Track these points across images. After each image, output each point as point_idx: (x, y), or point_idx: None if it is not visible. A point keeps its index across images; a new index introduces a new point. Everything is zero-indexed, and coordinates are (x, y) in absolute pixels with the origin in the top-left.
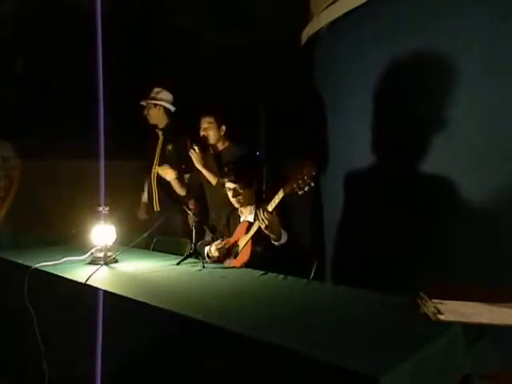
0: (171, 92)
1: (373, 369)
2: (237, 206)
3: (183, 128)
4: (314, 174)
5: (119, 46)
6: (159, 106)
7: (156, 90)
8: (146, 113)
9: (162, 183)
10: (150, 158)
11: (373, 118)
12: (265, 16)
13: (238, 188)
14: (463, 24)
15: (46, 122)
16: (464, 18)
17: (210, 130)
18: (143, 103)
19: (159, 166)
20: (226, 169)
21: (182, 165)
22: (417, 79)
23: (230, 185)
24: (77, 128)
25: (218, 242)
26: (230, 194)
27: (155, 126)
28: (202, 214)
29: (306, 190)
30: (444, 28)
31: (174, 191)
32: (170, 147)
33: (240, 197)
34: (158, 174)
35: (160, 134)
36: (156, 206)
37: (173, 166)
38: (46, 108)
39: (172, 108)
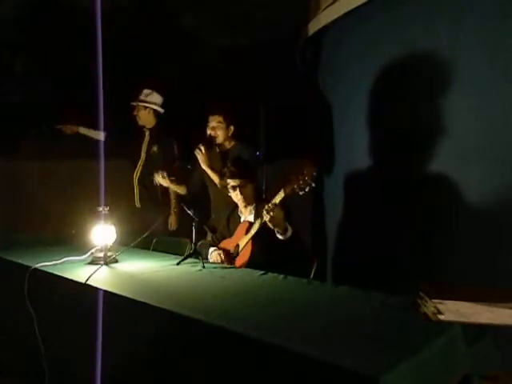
0: (163, 93)
1: (373, 369)
2: (242, 204)
3: (170, 129)
4: (314, 174)
5: (119, 45)
6: (149, 109)
7: (146, 91)
8: (135, 113)
9: (146, 183)
10: (135, 157)
11: (373, 119)
12: (265, 16)
13: (242, 184)
14: (463, 24)
15: (47, 121)
16: (464, 18)
17: (218, 129)
18: (134, 104)
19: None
20: (225, 168)
21: (188, 165)
22: (417, 79)
23: (233, 182)
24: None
25: (217, 251)
26: (233, 192)
27: (143, 126)
28: (202, 213)
29: (306, 190)
30: (444, 28)
31: (157, 193)
32: (155, 148)
33: (244, 193)
34: (140, 172)
35: (147, 133)
36: (137, 202)
37: (159, 167)
38: (46, 108)
39: (161, 110)
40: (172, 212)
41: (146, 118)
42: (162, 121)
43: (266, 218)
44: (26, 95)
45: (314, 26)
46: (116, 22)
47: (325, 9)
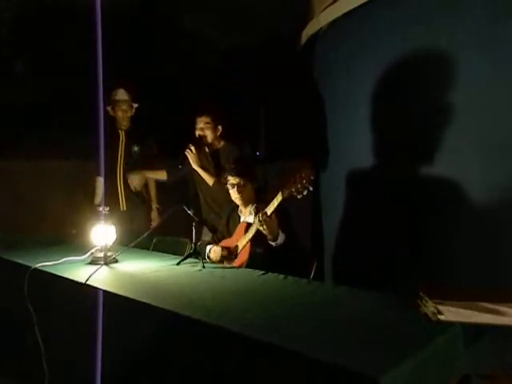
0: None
1: (373, 369)
2: (238, 202)
3: (148, 129)
4: (312, 177)
5: (119, 45)
6: (133, 108)
7: (123, 91)
8: (122, 113)
9: (136, 187)
10: (111, 158)
11: (373, 118)
12: (265, 16)
13: (241, 183)
14: (463, 24)
15: (47, 121)
16: (463, 17)
17: (206, 129)
18: (135, 105)
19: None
20: (228, 164)
21: (179, 165)
22: (416, 79)
23: (233, 180)
24: (76, 128)
25: (217, 247)
26: (232, 189)
27: (116, 127)
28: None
29: (304, 193)
30: (443, 28)
31: (141, 191)
32: (135, 148)
33: (243, 192)
34: (124, 173)
35: (122, 134)
36: (122, 206)
37: (140, 167)
38: (46, 108)
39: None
40: (154, 208)
41: (129, 118)
42: (138, 121)
43: (259, 227)
44: (25, 95)
45: (314, 26)
46: (116, 22)
47: (324, 9)
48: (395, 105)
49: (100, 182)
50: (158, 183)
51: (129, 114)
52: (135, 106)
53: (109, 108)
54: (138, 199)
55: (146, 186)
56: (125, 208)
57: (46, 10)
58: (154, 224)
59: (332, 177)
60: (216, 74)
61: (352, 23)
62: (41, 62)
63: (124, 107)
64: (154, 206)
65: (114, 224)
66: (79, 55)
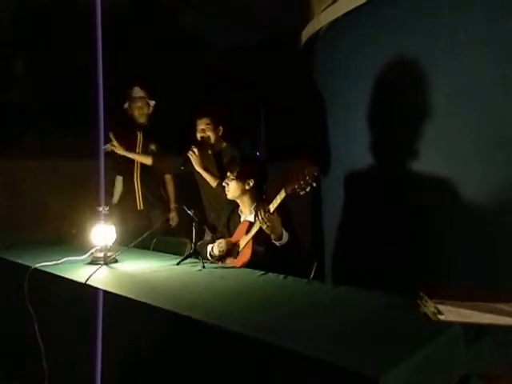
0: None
1: (373, 369)
2: (229, 196)
3: (166, 128)
4: (315, 173)
5: (119, 45)
6: (150, 106)
7: (138, 88)
8: (138, 112)
9: (146, 182)
10: (128, 157)
11: (373, 118)
12: (265, 16)
13: (230, 176)
14: (463, 24)
15: (47, 121)
16: (464, 17)
17: (208, 131)
18: (152, 103)
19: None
20: (231, 158)
21: (182, 166)
22: (416, 78)
23: (228, 173)
24: (77, 128)
25: (220, 241)
26: (226, 179)
27: (133, 126)
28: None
29: (307, 190)
30: (444, 28)
31: (158, 190)
32: (153, 147)
33: (228, 185)
34: (141, 172)
35: (140, 133)
36: (139, 205)
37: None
38: (46, 108)
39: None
40: (172, 208)
41: (148, 115)
42: (159, 120)
43: (263, 225)
44: (26, 94)
45: (314, 26)
46: (116, 22)
47: (325, 8)
48: (395, 105)
49: (119, 180)
50: (177, 182)
51: (145, 112)
52: (152, 103)
53: (126, 106)
54: (155, 198)
55: (163, 185)
56: (142, 207)
57: (45, 10)
58: (173, 223)
59: (332, 177)
60: (216, 74)
61: (352, 23)
62: (41, 62)
63: (139, 104)
64: (172, 205)
65: (129, 223)
66: (79, 55)
